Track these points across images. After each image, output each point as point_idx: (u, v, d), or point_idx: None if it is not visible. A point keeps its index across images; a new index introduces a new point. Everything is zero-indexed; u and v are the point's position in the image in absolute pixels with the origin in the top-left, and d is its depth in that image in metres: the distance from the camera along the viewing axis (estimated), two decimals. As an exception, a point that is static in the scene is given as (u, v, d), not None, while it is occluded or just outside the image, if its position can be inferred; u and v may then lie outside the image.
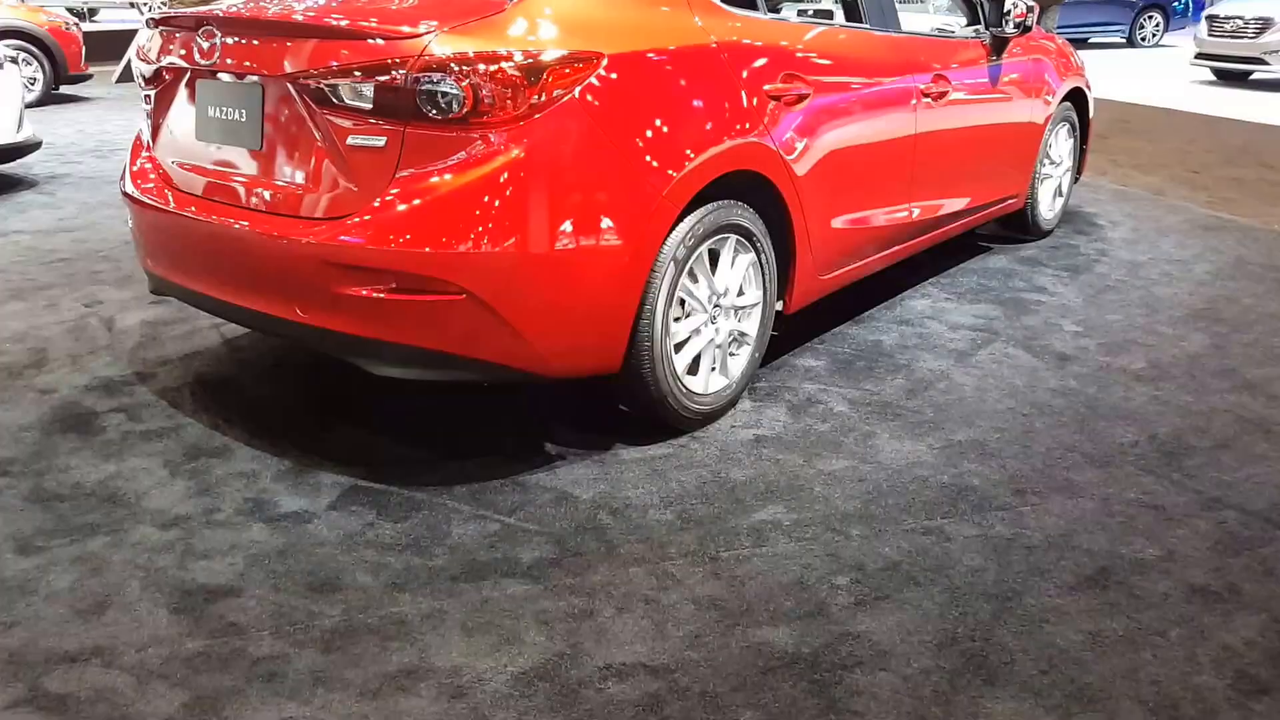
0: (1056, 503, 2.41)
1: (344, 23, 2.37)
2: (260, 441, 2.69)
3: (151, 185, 2.77)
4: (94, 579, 2.08)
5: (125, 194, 2.85)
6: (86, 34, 9.75)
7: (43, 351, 3.30)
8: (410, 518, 2.32)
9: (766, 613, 1.98)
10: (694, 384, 2.72)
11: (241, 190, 2.52)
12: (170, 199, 2.68)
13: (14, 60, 5.80)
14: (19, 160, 5.90)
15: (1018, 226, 4.64)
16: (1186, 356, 3.33)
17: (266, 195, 2.46)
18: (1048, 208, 4.71)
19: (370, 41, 2.27)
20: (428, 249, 2.23)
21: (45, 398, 2.95)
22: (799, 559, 2.16)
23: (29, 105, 6.42)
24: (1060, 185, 4.79)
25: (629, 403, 2.72)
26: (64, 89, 9.44)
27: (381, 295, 2.28)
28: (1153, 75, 12.23)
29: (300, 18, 2.50)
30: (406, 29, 2.27)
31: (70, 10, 14.17)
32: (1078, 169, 4.98)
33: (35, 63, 8.94)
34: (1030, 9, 3.89)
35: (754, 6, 2.92)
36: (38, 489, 2.44)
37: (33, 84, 8.85)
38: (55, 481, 2.48)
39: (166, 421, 2.81)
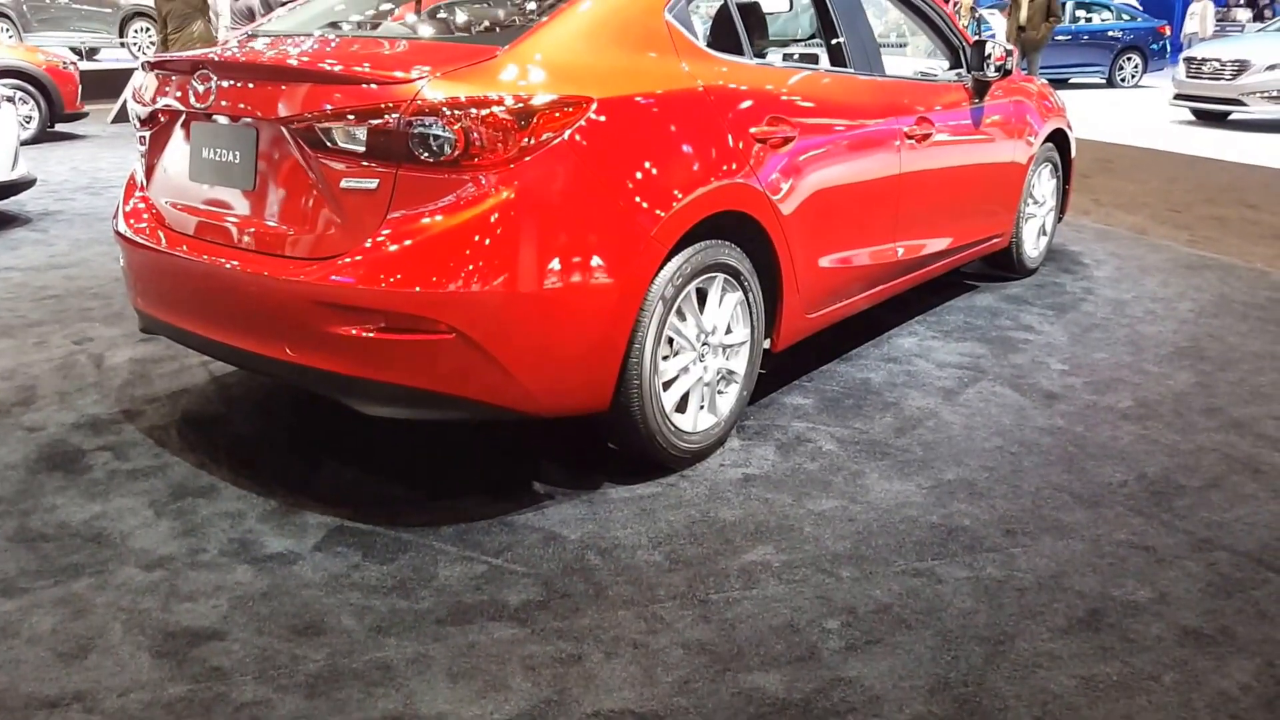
0: (1047, 543, 2.41)
1: (338, 68, 2.39)
2: (247, 480, 2.67)
3: (144, 225, 2.78)
4: (77, 621, 2.06)
5: (118, 233, 2.86)
6: (84, 73, 9.80)
7: (31, 389, 3.29)
8: (396, 559, 2.31)
9: (757, 657, 1.97)
10: (682, 422, 2.72)
11: (234, 230, 2.53)
12: (162, 238, 2.69)
13: (10, 99, 5.81)
14: (13, 197, 5.91)
15: (1003, 265, 4.69)
16: (1173, 395, 3.35)
17: (258, 235, 2.47)
18: (1032, 246, 4.76)
19: (364, 86, 2.29)
20: (417, 288, 2.24)
21: (32, 436, 2.94)
22: (789, 601, 2.15)
23: (24, 143, 6.44)
24: (1044, 224, 4.84)
25: (617, 441, 2.72)
26: (59, 126, 9.47)
27: (371, 334, 2.28)
28: (1133, 115, 12.41)
29: (295, 63, 2.53)
30: (400, 74, 2.29)
31: (73, 49, 14.31)
32: (1061, 208, 5.04)
33: (31, 101, 8.98)
34: (1009, 53, 3.96)
35: (740, 52, 2.96)
36: (23, 529, 2.42)
37: (28, 122, 8.89)
38: (40, 521, 2.46)
39: (153, 460, 2.79)
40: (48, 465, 2.76)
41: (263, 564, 2.28)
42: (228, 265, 2.47)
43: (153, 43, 13.83)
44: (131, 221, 2.82)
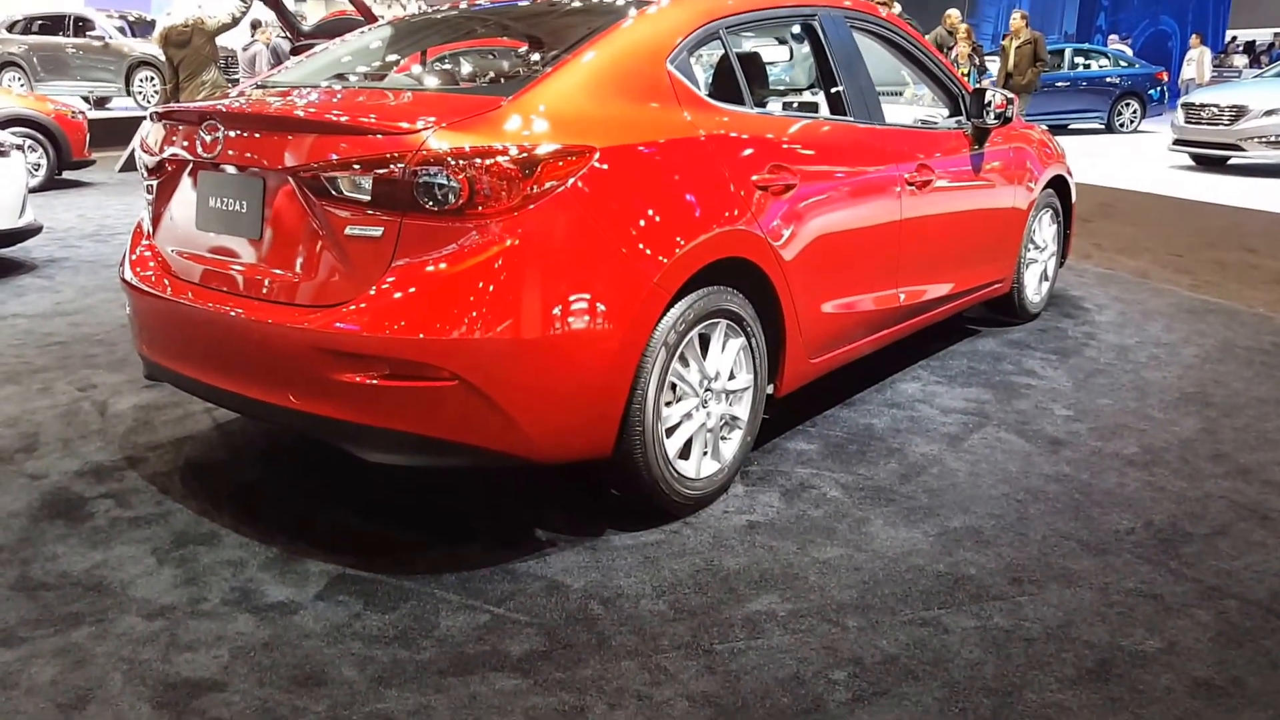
0: (1054, 592, 2.39)
1: (345, 118, 2.43)
2: (249, 528, 2.66)
3: (150, 273, 2.80)
4: (77, 672, 2.04)
5: (124, 280, 2.88)
6: (92, 121, 9.95)
7: (34, 436, 3.29)
8: (398, 608, 2.29)
9: (762, 710, 1.94)
10: (686, 468, 2.71)
11: (239, 278, 2.55)
12: (168, 286, 2.71)
13: (19, 147, 5.89)
14: (20, 244, 5.96)
15: (1005, 310, 4.70)
16: (1179, 441, 3.34)
17: (264, 283, 2.49)
18: (1034, 291, 4.77)
19: (370, 136, 2.32)
20: (421, 335, 2.25)
21: (35, 483, 2.93)
22: (795, 652, 2.13)
23: (33, 190, 6.51)
24: (1046, 269, 4.86)
25: (620, 487, 2.71)
26: (67, 174, 9.59)
27: (374, 381, 2.29)
28: (1133, 160, 12.51)
29: (302, 113, 2.57)
30: (405, 125, 2.32)
31: (85, 98, 14.56)
32: (1062, 253, 5.06)
33: (40, 149, 9.11)
34: (1010, 101, 4.00)
35: (741, 101, 3.00)
36: (24, 577, 2.41)
37: (37, 169, 9.00)
38: (42, 570, 2.45)
39: (155, 508, 2.78)
40: (50, 513, 2.75)
41: (264, 613, 2.26)
42: (232, 312, 2.49)
43: (157, 91, 14.03)
44: (138, 269, 2.84)
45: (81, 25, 15.39)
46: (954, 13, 12.44)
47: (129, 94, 15.16)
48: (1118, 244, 6.76)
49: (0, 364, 4.04)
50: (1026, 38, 12.09)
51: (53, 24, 15.49)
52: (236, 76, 13.83)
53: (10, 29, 15.45)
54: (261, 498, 2.89)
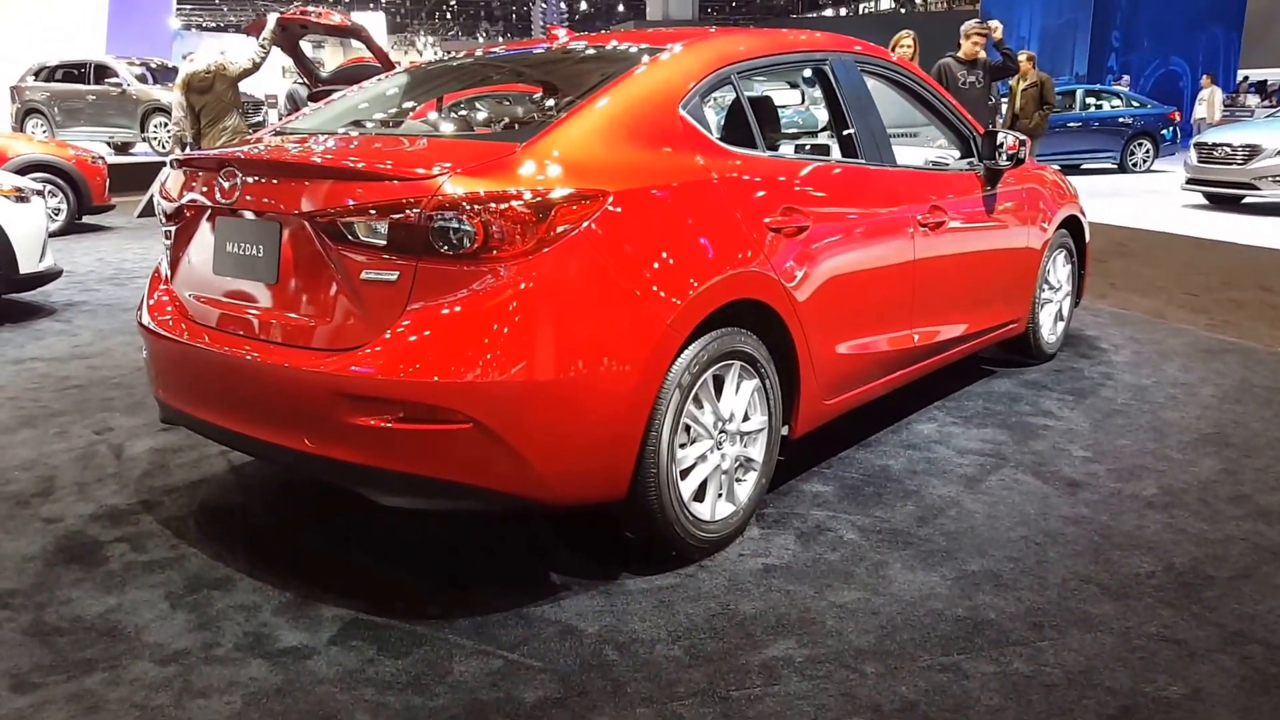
0: (1075, 637, 2.35)
1: (361, 164, 2.46)
2: (263, 571, 2.66)
3: (167, 317, 2.83)
4: (89, 718, 2.03)
5: (141, 325, 2.91)
6: (112, 166, 10.11)
7: (50, 479, 3.30)
8: (411, 653, 2.27)
9: (779, 756, 1.91)
10: (701, 511, 2.70)
11: (255, 322, 2.57)
12: (184, 330, 2.73)
13: (40, 193, 5.99)
14: (40, 289, 6.03)
15: (1020, 350, 4.68)
16: (1198, 483, 3.30)
17: (279, 327, 2.51)
18: (1049, 332, 4.75)
19: (387, 182, 2.35)
20: (436, 378, 2.26)
21: (50, 527, 2.94)
22: (813, 699, 2.10)
23: (53, 234, 6.61)
24: (1061, 309, 4.85)
25: (635, 530, 2.70)
26: (87, 218, 9.73)
27: (389, 425, 2.29)
28: (1146, 200, 12.51)
29: (320, 160, 2.60)
30: (421, 170, 2.35)
31: (108, 143, 14.80)
32: (1077, 293, 5.05)
33: (60, 194, 9.25)
34: (1022, 142, 4.02)
35: (753, 145, 3.02)
36: (37, 622, 2.41)
37: (57, 214, 9.15)
38: (56, 614, 2.44)
39: (170, 551, 2.78)
40: (65, 557, 2.75)
41: (277, 659, 2.25)
42: (248, 356, 2.50)
43: (171, 135, 14.28)
44: (155, 314, 2.87)
45: (101, 72, 15.69)
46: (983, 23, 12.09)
47: (144, 139, 15.40)
48: (1133, 283, 6.75)
49: (18, 408, 4.07)
50: (1033, 79, 11.77)
51: (75, 72, 15.80)
52: (259, 120, 14.04)
53: (36, 76, 15.77)
54: (276, 541, 2.89)
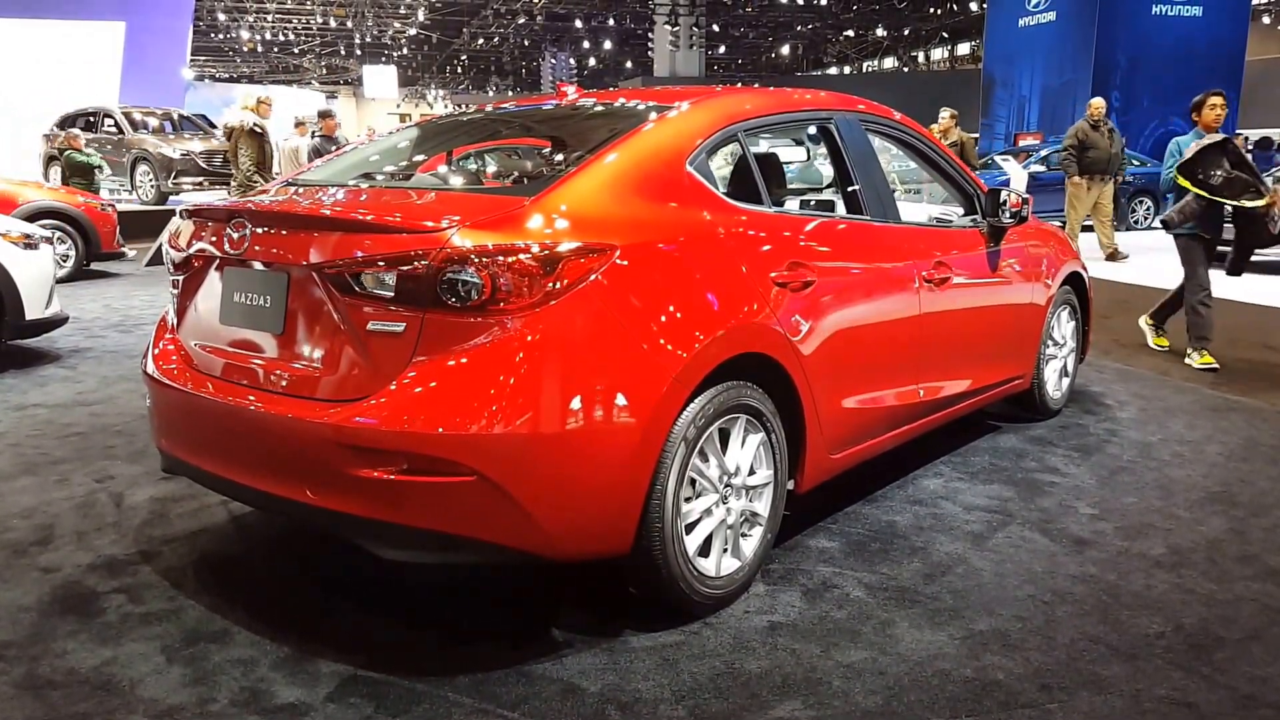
0: (1084, 699, 2.31)
1: (370, 217, 2.48)
2: (261, 625, 2.62)
3: (172, 366, 2.83)
4: (78, 776, 1.99)
5: (145, 373, 2.91)
6: (122, 213, 10.20)
7: (49, 528, 3.28)
8: (410, 711, 2.23)
9: (785, 822, 1.87)
10: (706, 566, 2.67)
11: (260, 372, 2.57)
12: (189, 380, 2.73)
13: (49, 240, 6.04)
14: (45, 334, 6.06)
15: (1025, 406, 4.67)
16: (1206, 542, 3.27)
17: (285, 377, 2.51)
18: (1054, 387, 4.75)
19: (395, 234, 2.37)
20: (440, 430, 2.25)
21: (47, 577, 2.91)
22: (817, 761, 2.05)
23: (61, 280, 6.65)
24: (1065, 365, 4.85)
25: (639, 585, 2.67)
26: (96, 265, 9.80)
27: (392, 477, 2.28)
28: (1148, 257, 12.57)
29: (329, 211, 2.63)
30: (429, 223, 2.37)
31: (123, 190, 14.93)
32: (1082, 349, 5.05)
33: (69, 240, 9.33)
34: (1025, 200, 4.06)
35: (759, 201, 3.05)
36: (31, 675, 2.37)
37: (65, 260, 9.21)
38: (50, 667, 2.41)
39: (167, 603, 2.75)
40: (61, 608, 2.72)
41: (273, 715, 2.21)
42: (252, 407, 2.50)
43: (154, 186, 14.51)
44: (160, 363, 2.87)
45: (107, 121, 15.89)
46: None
47: (132, 190, 15.44)
48: (1138, 340, 6.75)
49: (19, 455, 4.06)
50: (954, 139, 10.95)
51: (89, 120, 16.01)
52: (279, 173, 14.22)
53: (61, 126, 15.96)
54: (275, 594, 2.86)
